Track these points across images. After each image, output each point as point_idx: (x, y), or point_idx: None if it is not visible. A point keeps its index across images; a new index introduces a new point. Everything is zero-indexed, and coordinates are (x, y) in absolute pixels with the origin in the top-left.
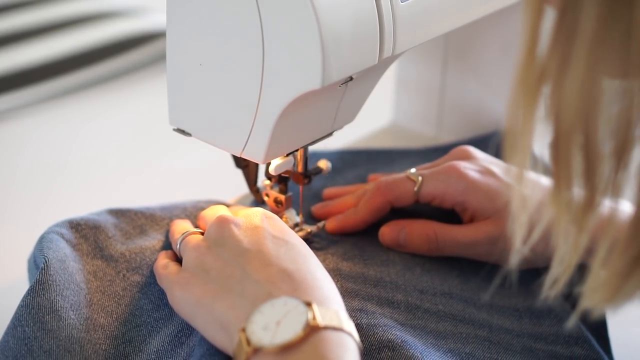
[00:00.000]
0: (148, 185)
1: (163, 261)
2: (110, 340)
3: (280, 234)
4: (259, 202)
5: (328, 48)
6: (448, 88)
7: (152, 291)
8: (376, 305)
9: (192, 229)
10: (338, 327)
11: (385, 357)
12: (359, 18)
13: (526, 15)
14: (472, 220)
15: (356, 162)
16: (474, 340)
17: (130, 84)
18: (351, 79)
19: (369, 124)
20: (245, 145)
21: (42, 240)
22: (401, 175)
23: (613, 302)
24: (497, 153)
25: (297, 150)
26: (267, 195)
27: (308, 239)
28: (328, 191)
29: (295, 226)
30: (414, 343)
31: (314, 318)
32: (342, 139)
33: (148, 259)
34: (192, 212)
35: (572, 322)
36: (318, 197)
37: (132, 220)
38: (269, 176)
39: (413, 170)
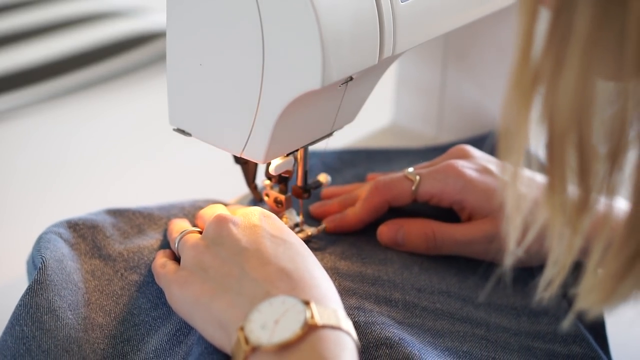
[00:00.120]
0: (148, 185)
1: (161, 260)
2: (108, 340)
3: (278, 233)
4: (257, 199)
5: (328, 48)
6: (448, 88)
7: (150, 290)
8: (374, 303)
9: (190, 228)
10: (336, 325)
11: (382, 355)
12: (359, 18)
13: (520, 17)
14: (470, 218)
15: (355, 162)
16: (472, 338)
17: (130, 84)
18: (351, 79)
19: (369, 124)
20: (245, 145)
21: (40, 240)
22: (399, 174)
23: (608, 303)
24: (494, 152)
25: (297, 150)
26: (267, 195)
27: (306, 239)
28: (326, 190)
29: (295, 226)
30: (411, 341)
31: (312, 317)
32: (342, 139)
33: (146, 258)
34: (190, 212)
35: (567, 323)
36: (317, 197)
37: (130, 219)
38: (269, 176)
39: (411, 169)
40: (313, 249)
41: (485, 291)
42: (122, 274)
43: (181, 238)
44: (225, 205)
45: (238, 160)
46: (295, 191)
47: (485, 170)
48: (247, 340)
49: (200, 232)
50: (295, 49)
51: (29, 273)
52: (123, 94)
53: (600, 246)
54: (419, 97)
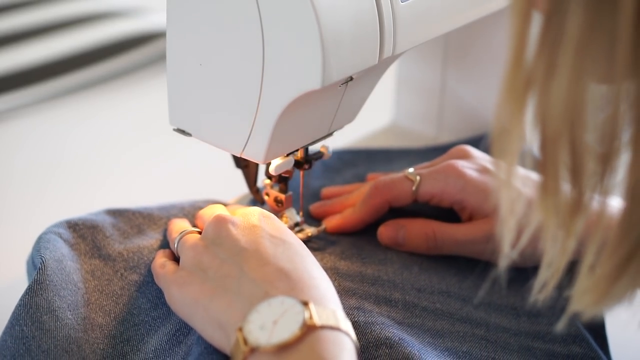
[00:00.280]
0: (148, 185)
1: (160, 260)
2: (108, 340)
3: (277, 233)
4: (259, 202)
5: (328, 48)
6: (448, 88)
7: (149, 290)
8: (373, 304)
9: (189, 228)
10: (335, 326)
11: (382, 354)
12: (359, 18)
13: (512, 20)
14: (470, 218)
15: (355, 162)
16: (471, 339)
17: (130, 84)
18: (351, 79)
19: (369, 124)
20: (245, 145)
21: (39, 240)
22: (399, 174)
23: (602, 304)
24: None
25: (297, 150)
26: (267, 194)
27: (306, 239)
28: (327, 190)
29: (295, 225)
30: (411, 341)
31: (311, 317)
32: (342, 139)
33: (146, 258)
34: (190, 212)
35: (561, 325)
36: (317, 197)
37: (130, 219)
38: (269, 176)
39: (411, 169)
40: (313, 249)
41: (482, 291)
42: (121, 274)
43: (180, 238)
44: (225, 205)
45: (239, 164)
46: (296, 163)
47: (485, 170)
48: (245, 341)
49: (200, 233)
50: (296, 49)
51: (29, 273)
52: (123, 94)
53: (594, 247)
54: (419, 97)
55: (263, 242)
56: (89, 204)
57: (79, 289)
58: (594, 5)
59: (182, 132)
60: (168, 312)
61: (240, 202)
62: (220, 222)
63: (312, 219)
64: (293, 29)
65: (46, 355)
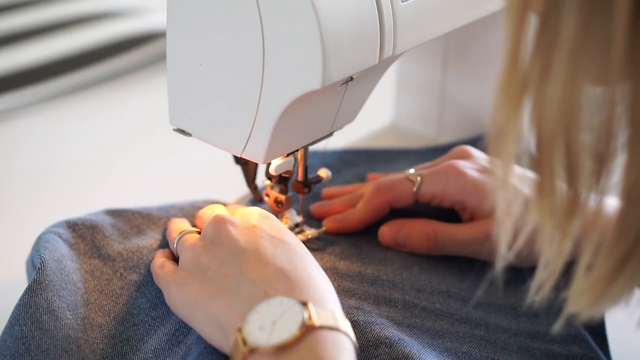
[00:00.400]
0: (149, 185)
1: (160, 260)
2: (107, 340)
3: (276, 234)
4: (257, 200)
5: (328, 48)
6: (448, 88)
7: (149, 290)
8: (373, 304)
9: (189, 228)
10: (334, 326)
11: (382, 354)
12: (359, 18)
13: (508, 22)
14: (471, 218)
15: (355, 162)
16: (471, 339)
17: (130, 84)
18: (351, 79)
19: (369, 124)
20: (246, 145)
21: (39, 240)
22: (400, 175)
23: (599, 306)
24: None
25: (297, 151)
26: (267, 195)
27: (306, 240)
28: (327, 190)
29: (295, 226)
30: (410, 342)
31: (310, 318)
32: (342, 139)
33: (145, 258)
34: (190, 212)
35: (557, 326)
36: (317, 197)
37: (129, 219)
38: (269, 176)
39: (412, 170)
40: (312, 249)
41: (480, 291)
42: (121, 274)
43: (180, 238)
44: (224, 205)
45: (238, 160)
46: (295, 186)
47: (486, 170)
48: (245, 342)
49: (199, 233)
50: (296, 49)
51: (29, 273)
52: (123, 94)
53: (591, 248)
54: (420, 97)
55: (262, 242)
56: (88, 204)
57: (78, 288)
58: (589, 6)
59: (182, 132)
60: (167, 312)
61: (240, 202)
62: (219, 222)
63: (313, 219)
64: (293, 29)
65: (46, 355)
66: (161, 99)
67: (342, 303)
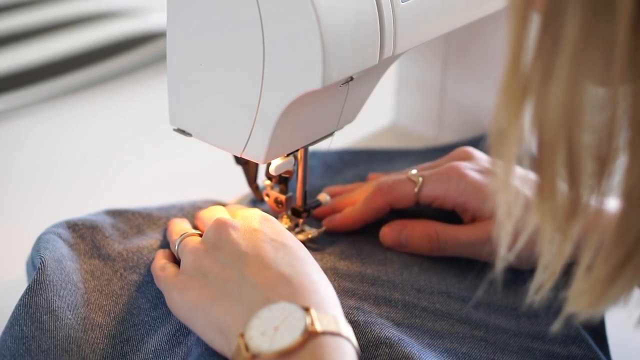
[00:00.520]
0: (149, 185)
1: (161, 262)
2: (108, 340)
3: (278, 237)
4: (258, 200)
5: (329, 48)
6: (448, 88)
7: (149, 290)
8: (373, 304)
9: (190, 229)
10: (336, 332)
11: (382, 354)
12: (359, 18)
13: (510, 22)
14: (473, 220)
15: (356, 162)
16: (471, 339)
17: (130, 84)
18: (352, 79)
19: (369, 124)
20: (246, 145)
21: (39, 240)
22: (402, 176)
23: (598, 307)
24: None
25: (297, 151)
26: (267, 195)
27: (306, 240)
28: (328, 190)
29: (295, 226)
30: (410, 342)
31: (312, 323)
32: (342, 139)
33: (145, 258)
34: (190, 212)
35: (557, 326)
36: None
37: (129, 220)
38: (269, 176)
39: (414, 171)
40: (312, 249)
41: (480, 292)
42: (121, 274)
43: (181, 241)
44: (225, 205)
45: (239, 160)
46: (294, 212)
47: (488, 172)
48: (247, 347)
49: (200, 235)
50: (296, 49)
51: (29, 273)
52: (123, 94)
53: (591, 249)
54: (420, 97)
55: (264, 246)
56: (88, 204)
57: (78, 289)
58: (592, 8)
59: (183, 132)
60: (168, 313)
61: (240, 202)
62: (220, 226)
63: (313, 219)
64: (293, 29)
65: (46, 355)
66: (161, 99)
67: (342, 303)
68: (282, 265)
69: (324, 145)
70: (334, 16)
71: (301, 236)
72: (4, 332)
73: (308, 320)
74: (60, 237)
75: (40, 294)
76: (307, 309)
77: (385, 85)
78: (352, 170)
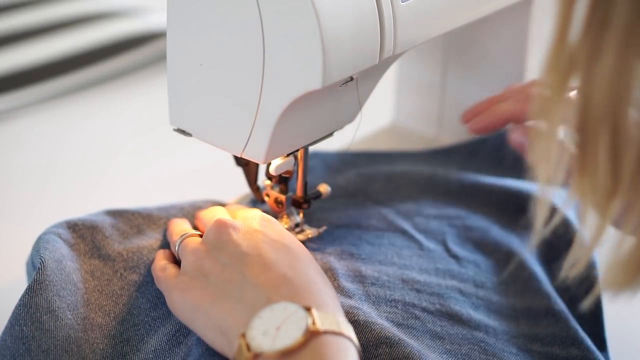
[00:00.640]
0: (149, 185)
1: (161, 262)
2: (108, 340)
3: (279, 238)
4: (259, 200)
5: (329, 48)
6: (448, 88)
7: (149, 290)
8: (373, 304)
9: (190, 229)
10: (337, 331)
11: (382, 353)
12: (359, 18)
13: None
14: None
15: (356, 162)
16: (471, 341)
17: (130, 84)
18: (352, 79)
19: (369, 124)
20: (246, 145)
21: (39, 240)
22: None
23: (633, 284)
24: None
25: (297, 151)
26: (267, 195)
27: (306, 240)
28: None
29: (296, 226)
30: (410, 343)
31: (314, 323)
32: (342, 139)
33: (145, 258)
34: (190, 212)
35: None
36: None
37: (130, 220)
38: (269, 176)
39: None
40: (312, 249)
41: (480, 292)
42: (121, 274)
43: (182, 241)
44: (225, 205)
45: (239, 162)
46: (294, 202)
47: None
48: (249, 347)
49: (201, 235)
50: (296, 49)
51: (29, 274)
52: (123, 94)
53: (630, 225)
54: (420, 97)
55: (264, 247)
56: (88, 204)
57: (78, 289)
58: None
59: (183, 132)
60: (168, 313)
61: (240, 202)
62: (221, 227)
63: (313, 219)
64: (293, 29)
65: (46, 355)
66: (161, 99)
67: (342, 303)
68: (283, 266)
69: (322, 146)
70: (334, 16)
71: (301, 236)
72: (4, 332)
73: (310, 320)
74: (60, 237)
75: (40, 294)
76: (308, 309)
77: (385, 85)
78: (352, 170)
